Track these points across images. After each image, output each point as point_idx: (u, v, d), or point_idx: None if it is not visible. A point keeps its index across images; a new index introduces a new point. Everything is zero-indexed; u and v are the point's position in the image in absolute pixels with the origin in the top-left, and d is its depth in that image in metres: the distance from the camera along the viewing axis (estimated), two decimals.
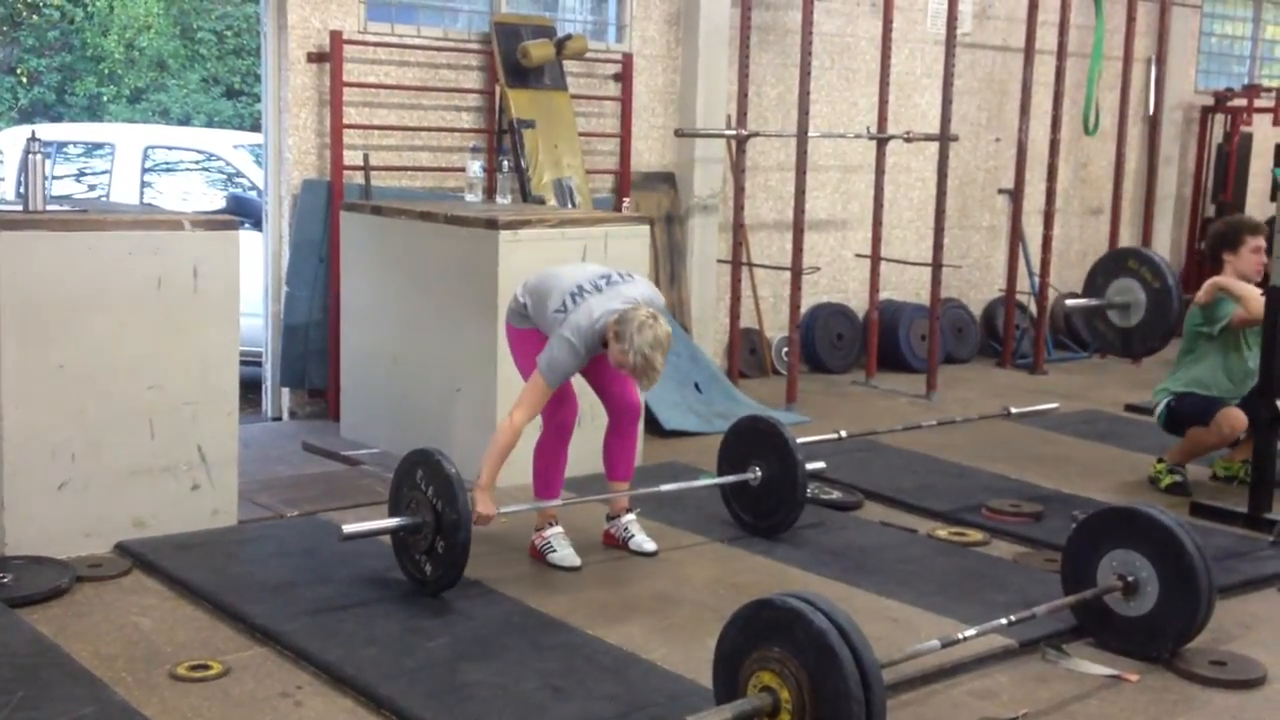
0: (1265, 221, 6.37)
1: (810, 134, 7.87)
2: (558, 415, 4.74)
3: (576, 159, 7.40)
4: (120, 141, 9.05)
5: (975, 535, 5.34)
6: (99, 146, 9.26)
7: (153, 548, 4.77)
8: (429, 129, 7.28)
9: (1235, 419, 5.82)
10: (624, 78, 7.92)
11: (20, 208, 4.89)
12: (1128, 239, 10.45)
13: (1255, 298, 5.75)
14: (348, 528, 4.37)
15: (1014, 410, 6.43)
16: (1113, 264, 6.26)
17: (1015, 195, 9.34)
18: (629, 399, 4.90)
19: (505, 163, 6.85)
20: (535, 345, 4.74)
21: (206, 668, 3.83)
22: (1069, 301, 6.57)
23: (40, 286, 4.61)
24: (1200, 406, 5.97)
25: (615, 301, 4.52)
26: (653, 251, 7.59)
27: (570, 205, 7.19)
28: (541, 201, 7.09)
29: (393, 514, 4.52)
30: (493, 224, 5.71)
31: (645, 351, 4.34)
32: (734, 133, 8.00)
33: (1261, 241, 5.97)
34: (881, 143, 8.48)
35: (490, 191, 7.02)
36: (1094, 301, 6.22)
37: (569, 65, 7.56)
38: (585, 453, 5.33)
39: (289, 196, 6.92)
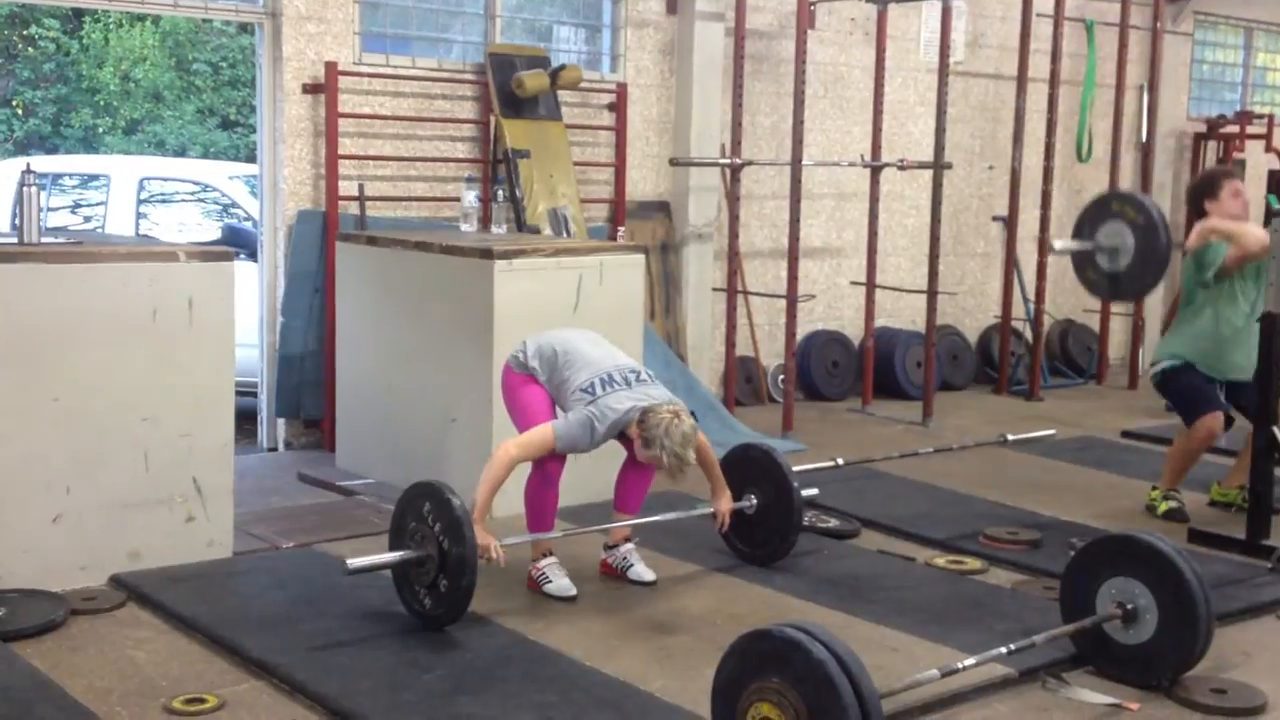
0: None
1: (804, 162, 7.89)
2: (547, 462, 4.74)
3: (571, 188, 7.41)
4: (115, 173, 9.05)
5: (973, 563, 5.33)
6: (94, 178, 9.28)
7: (147, 580, 4.75)
8: (424, 159, 7.29)
9: (1214, 423, 5.89)
10: (618, 107, 7.94)
11: (15, 240, 4.89)
12: None
13: (1246, 232, 5.70)
14: (353, 562, 4.33)
15: (1010, 437, 6.43)
16: (1097, 211, 6.16)
17: (1009, 222, 9.37)
18: None
19: (500, 192, 6.86)
20: (533, 393, 4.83)
21: (202, 701, 3.80)
22: (1057, 243, 6.48)
23: (35, 318, 4.60)
24: (1188, 392, 5.97)
25: (643, 400, 4.61)
26: (648, 280, 7.60)
27: (565, 234, 7.20)
28: (537, 231, 7.10)
29: (394, 544, 4.50)
30: (488, 253, 5.72)
31: (677, 452, 4.49)
32: (728, 161, 8.02)
33: (1239, 185, 6.01)
34: (875, 171, 8.50)
35: (485, 221, 7.03)
36: (1082, 244, 6.14)
37: (563, 95, 7.58)
38: (582, 482, 5.32)
39: (284, 227, 6.93)
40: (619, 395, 4.63)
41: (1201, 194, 6.06)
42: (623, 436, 4.72)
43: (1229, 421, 6.05)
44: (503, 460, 4.56)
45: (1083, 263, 6.13)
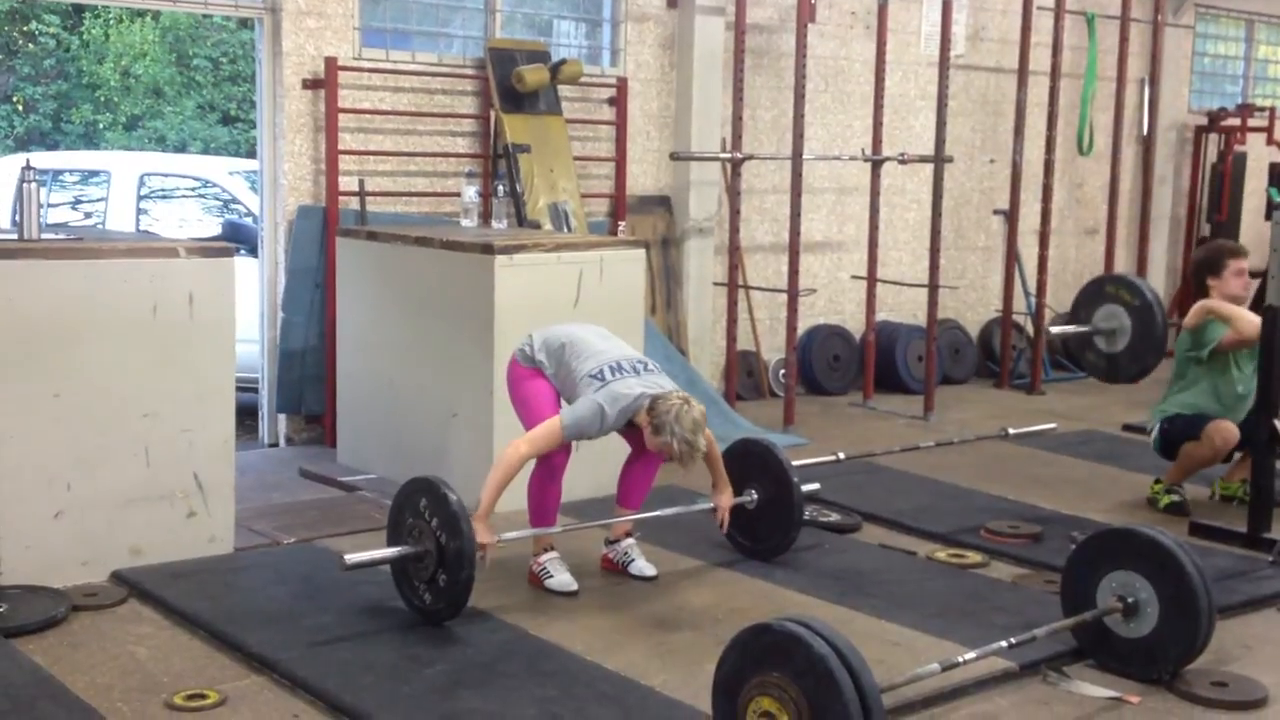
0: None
1: (805, 156, 7.89)
2: (552, 456, 4.74)
3: (572, 183, 7.41)
4: (116, 169, 9.05)
5: (974, 557, 5.33)
6: (95, 174, 9.27)
7: (149, 576, 4.75)
8: (424, 154, 7.29)
9: (1226, 431, 5.82)
10: (619, 102, 7.94)
11: (15, 236, 4.89)
12: (1123, 259, 10.47)
13: (1244, 318, 5.77)
14: (350, 557, 4.33)
15: (1012, 431, 6.42)
16: (1091, 295, 6.21)
17: (1010, 216, 9.36)
18: None
19: (500, 187, 6.86)
20: (539, 387, 4.84)
21: (203, 697, 3.81)
22: (1054, 329, 6.56)
23: (35, 315, 4.60)
24: (1191, 423, 5.96)
25: (652, 388, 4.61)
26: (649, 275, 7.59)
27: (566, 229, 7.19)
28: (537, 226, 7.09)
29: (392, 540, 4.50)
30: (489, 248, 5.71)
31: (688, 438, 4.47)
32: (729, 156, 8.02)
33: (1244, 264, 6.02)
34: (876, 165, 8.49)
35: (486, 216, 7.03)
36: (1079, 328, 6.19)
37: (564, 90, 7.58)
38: (584, 477, 5.32)
39: (284, 222, 6.92)
40: (628, 381, 4.62)
41: (1205, 269, 6.05)
42: (630, 427, 4.71)
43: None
44: (513, 459, 4.55)
45: (1081, 345, 6.18)
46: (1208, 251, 6.24)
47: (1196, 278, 6.11)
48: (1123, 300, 6.00)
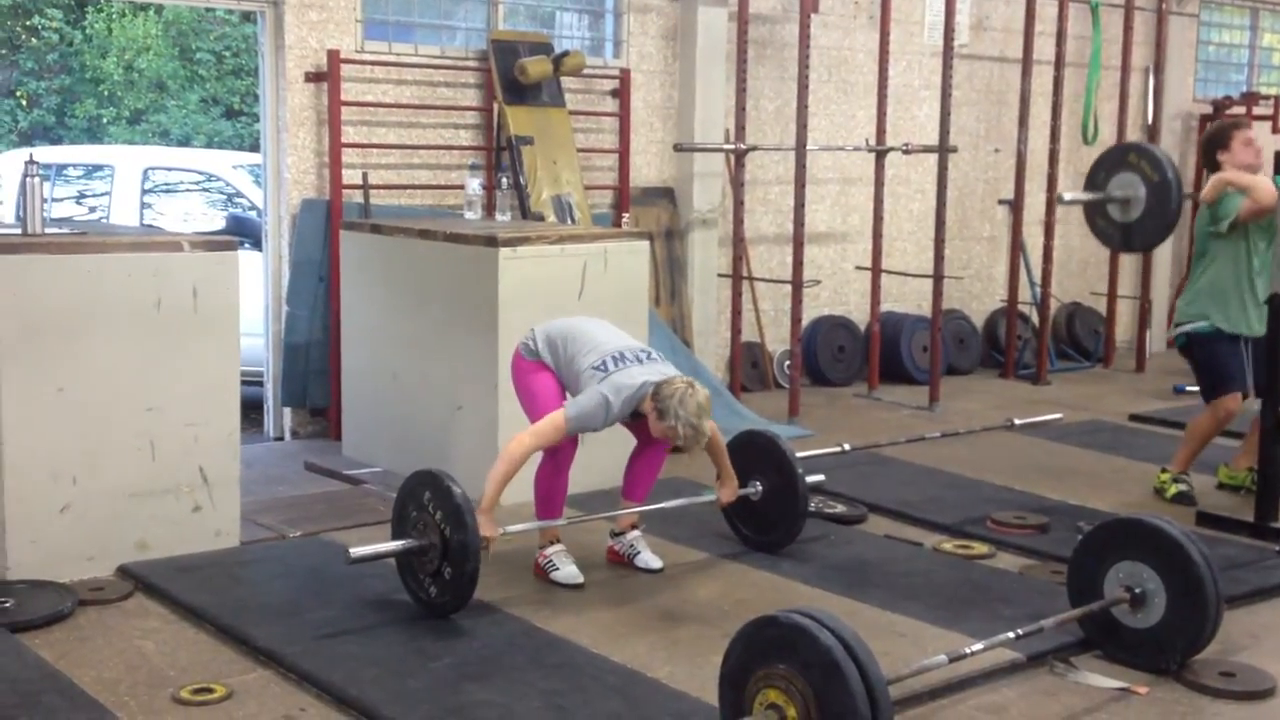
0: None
1: (809, 147, 7.87)
2: (558, 449, 4.73)
3: (575, 175, 7.40)
4: (120, 163, 9.04)
5: (980, 548, 5.32)
6: (99, 168, 9.26)
7: (155, 570, 4.75)
8: (427, 147, 7.28)
9: (1231, 405, 5.84)
10: (622, 93, 7.92)
11: (19, 231, 4.88)
12: None
13: (1261, 186, 5.67)
14: (355, 550, 4.34)
15: (1017, 421, 6.42)
16: (1114, 159, 6.14)
17: (1015, 206, 9.34)
18: None
19: (504, 180, 6.85)
20: (544, 380, 4.83)
21: (210, 691, 3.81)
22: (1067, 195, 6.48)
23: (39, 309, 4.60)
24: (1214, 365, 5.91)
25: (654, 375, 4.58)
26: (653, 266, 7.58)
27: (570, 221, 7.18)
28: (541, 218, 7.09)
29: (396, 533, 4.50)
30: (492, 241, 5.71)
31: (693, 422, 4.44)
32: (732, 147, 8.00)
33: (1250, 134, 5.99)
34: (880, 155, 8.48)
35: (489, 209, 7.02)
36: (1093, 195, 6.14)
37: (567, 81, 7.56)
38: (589, 470, 5.31)
39: (288, 216, 6.92)
40: (631, 370, 4.60)
41: (1214, 146, 6.04)
42: (635, 418, 4.69)
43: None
44: (517, 452, 4.53)
45: (1093, 211, 6.12)
46: (1213, 130, 6.24)
47: (1208, 158, 6.08)
48: (1143, 172, 5.93)
